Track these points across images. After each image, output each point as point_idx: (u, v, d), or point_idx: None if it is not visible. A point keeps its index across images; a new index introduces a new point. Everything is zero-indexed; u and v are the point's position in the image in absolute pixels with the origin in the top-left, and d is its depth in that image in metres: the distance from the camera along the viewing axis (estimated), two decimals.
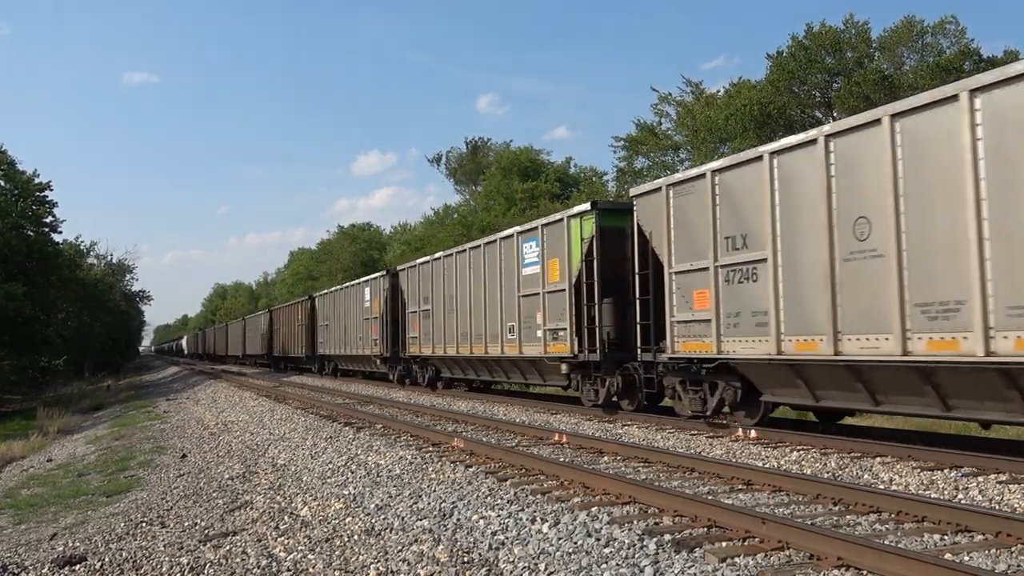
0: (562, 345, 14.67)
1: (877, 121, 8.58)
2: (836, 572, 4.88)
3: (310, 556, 6.23)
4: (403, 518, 7.04)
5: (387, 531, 6.73)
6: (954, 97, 7.83)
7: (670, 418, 12.57)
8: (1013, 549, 5.28)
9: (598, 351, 13.62)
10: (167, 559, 6.45)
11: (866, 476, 8.07)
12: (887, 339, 8.45)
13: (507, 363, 17.41)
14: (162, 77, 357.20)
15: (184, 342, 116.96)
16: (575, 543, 5.79)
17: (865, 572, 4.80)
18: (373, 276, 27.32)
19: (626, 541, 5.68)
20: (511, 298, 16.64)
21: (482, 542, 6.08)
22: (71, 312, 48.00)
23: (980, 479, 7.53)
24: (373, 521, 7.07)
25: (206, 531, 7.41)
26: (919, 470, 8.10)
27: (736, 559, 5.18)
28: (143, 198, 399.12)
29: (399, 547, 6.20)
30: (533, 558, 5.59)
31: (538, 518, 6.51)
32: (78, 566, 6.51)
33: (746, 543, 5.53)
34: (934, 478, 7.73)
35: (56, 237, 38.55)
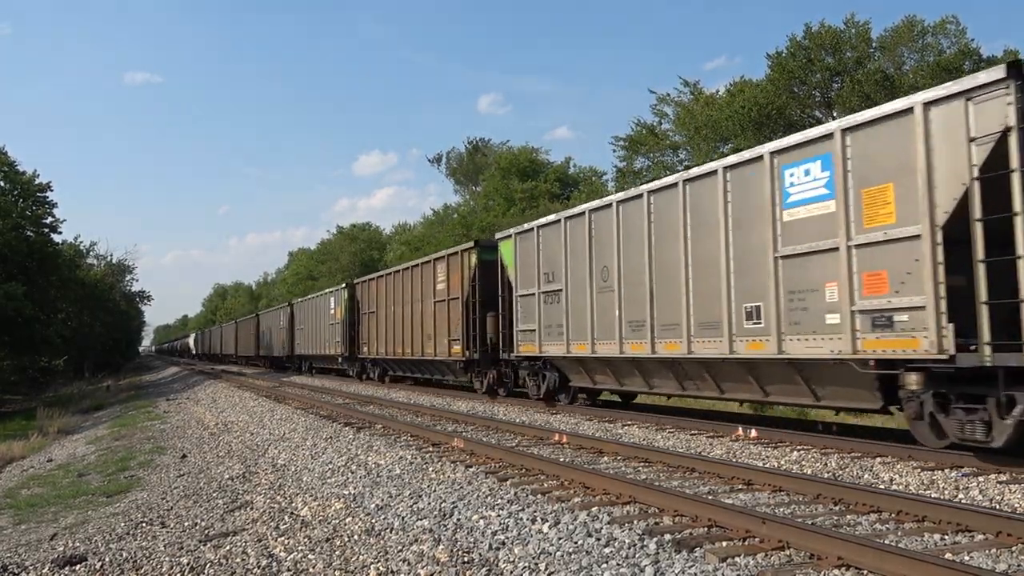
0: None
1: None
2: (836, 572, 4.88)
3: (310, 556, 6.23)
4: (403, 518, 7.04)
5: (387, 531, 6.73)
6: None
7: (670, 418, 12.84)
8: (1013, 549, 5.28)
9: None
10: (167, 559, 6.45)
11: (866, 476, 8.07)
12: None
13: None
14: (164, 77, 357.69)
15: (191, 341, 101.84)
16: (575, 543, 5.78)
17: (865, 572, 4.80)
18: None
19: (626, 541, 5.68)
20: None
21: (482, 542, 6.08)
22: (71, 312, 47.94)
23: (980, 479, 7.53)
24: (373, 521, 7.07)
25: (206, 531, 7.40)
26: (919, 470, 8.10)
27: (736, 559, 5.18)
28: (144, 198, 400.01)
29: (399, 547, 6.20)
30: (533, 558, 5.59)
31: (538, 518, 6.51)
32: (78, 566, 6.50)
33: (746, 543, 5.53)
34: (934, 478, 7.73)
35: (56, 237, 38.57)
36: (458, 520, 6.76)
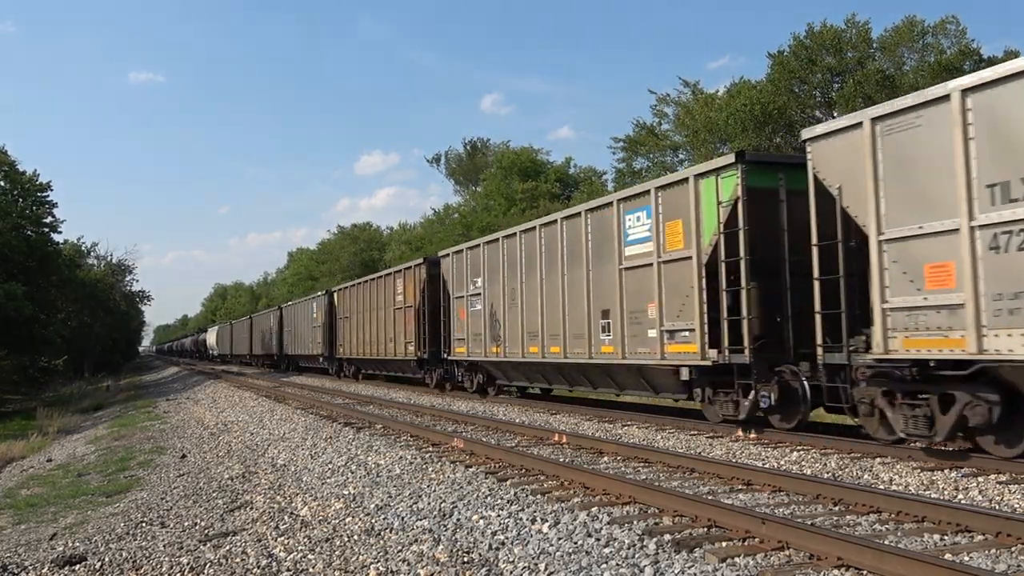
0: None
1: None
2: (836, 572, 4.88)
3: (310, 556, 6.23)
4: (403, 518, 7.04)
5: (387, 531, 6.73)
6: None
7: (670, 418, 12.87)
8: (1013, 549, 5.28)
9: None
10: (167, 559, 6.45)
11: (866, 476, 8.07)
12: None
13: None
14: (167, 76, 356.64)
15: (211, 337, 75.99)
16: (575, 543, 5.78)
17: (865, 572, 4.80)
18: None
19: (626, 541, 5.68)
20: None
21: (482, 542, 6.08)
22: (71, 312, 47.92)
23: (980, 479, 7.53)
24: (373, 521, 7.07)
25: (206, 531, 7.41)
26: (919, 470, 8.10)
27: (736, 559, 5.18)
28: (146, 198, 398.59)
29: (399, 547, 6.21)
30: (533, 558, 5.59)
31: (538, 518, 6.51)
32: (78, 566, 6.51)
33: (746, 543, 5.53)
34: (934, 478, 7.73)
35: (56, 237, 38.58)
36: (458, 520, 6.76)
